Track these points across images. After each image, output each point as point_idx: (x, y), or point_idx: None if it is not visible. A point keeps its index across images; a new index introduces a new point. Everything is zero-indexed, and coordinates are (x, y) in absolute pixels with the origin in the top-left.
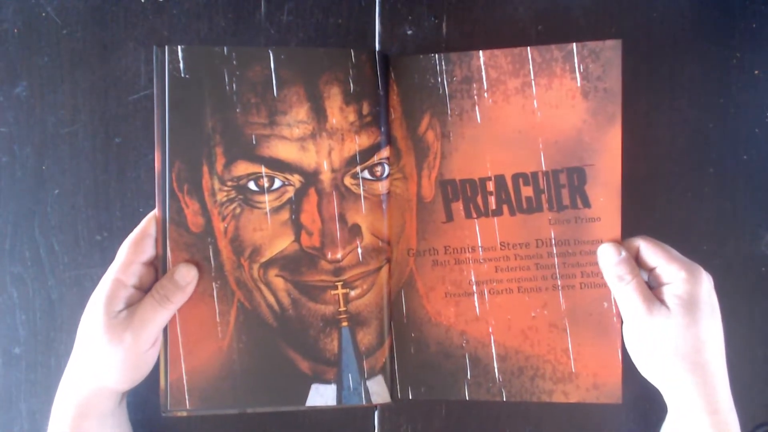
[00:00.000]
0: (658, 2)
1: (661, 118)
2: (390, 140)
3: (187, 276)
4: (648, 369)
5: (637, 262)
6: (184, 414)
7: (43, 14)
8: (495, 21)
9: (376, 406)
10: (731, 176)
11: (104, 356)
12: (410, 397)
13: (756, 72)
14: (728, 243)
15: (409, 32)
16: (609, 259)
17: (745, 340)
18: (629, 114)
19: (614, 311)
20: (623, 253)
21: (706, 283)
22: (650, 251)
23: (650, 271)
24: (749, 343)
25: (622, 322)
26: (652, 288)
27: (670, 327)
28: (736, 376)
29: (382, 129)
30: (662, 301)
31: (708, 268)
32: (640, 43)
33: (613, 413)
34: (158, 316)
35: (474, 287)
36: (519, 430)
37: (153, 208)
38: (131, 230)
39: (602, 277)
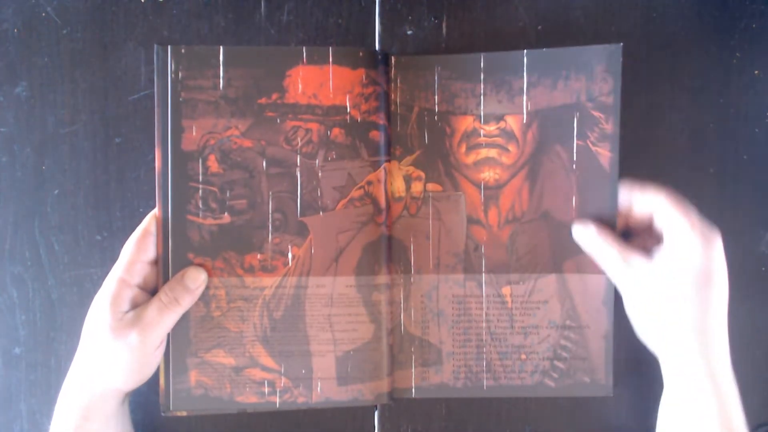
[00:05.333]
0: (658, 2)
1: (661, 118)
2: (391, 140)
3: (197, 279)
4: (650, 334)
5: (654, 222)
6: (185, 414)
7: (43, 14)
8: (495, 21)
9: (375, 406)
10: (731, 176)
11: (110, 357)
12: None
13: (756, 72)
14: (728, 243)
15: (409, 32)
16: (586, 237)
17: (745, 340)
18: (629, 114)
19: (601, 298)
20: (592, 228)
21: (718, 249)
22: (667, 215)
23: (667, 234)
24: (749, 343)
25: (614, 313)
26: (663, 245)
27: (676, 294)
28: (736, 376)
29: (385, 127)
30: (671, 266)
31: None
32: (640, 43)
33: (611, 412)
34: (166, 318)
35: None
36: (519, 430)
37: (153, 208)
38: (131, 230)
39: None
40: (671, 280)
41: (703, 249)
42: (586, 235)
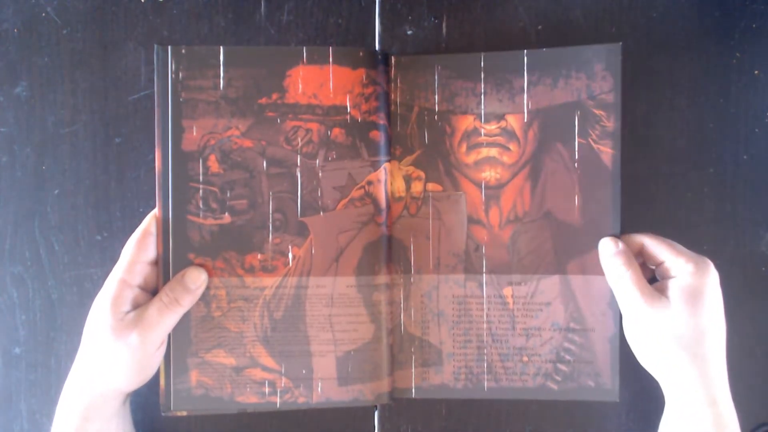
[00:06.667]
0: (658, 2)
1: (661, 118)
2: (391, 139)
3: (197, 280)
4: (648, 360)
5: (643, 257)
6: (185, 414)
7: (43, 14)
8: (495, 21)
9: (376, 406)
10: (731, 176)
11: (111, 357)
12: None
13: (756, 72)
14: (728, 243)
15: (409, 32)
16: (607, 251)
17: (745, 340)
18: (629, 114)
19: (607, 301)
20: (621, 246)
21: (712, 276)
22: (655, 246)
23: (658, 265)
24: (749, 343)
25: (621, 315)
26: (660, 281)
27: (671, 316)
28: (736, 376)
29: (386, 127)
30: (665, 292)
31: None
32: (640, 43)
33: (613, 413)
34: (166, 318)
35: None
36: (519, 430)
37: (153, 208)
38: (131, 230)
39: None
40: (667, 306)
41: (694, 271)
42: (614, 255)
